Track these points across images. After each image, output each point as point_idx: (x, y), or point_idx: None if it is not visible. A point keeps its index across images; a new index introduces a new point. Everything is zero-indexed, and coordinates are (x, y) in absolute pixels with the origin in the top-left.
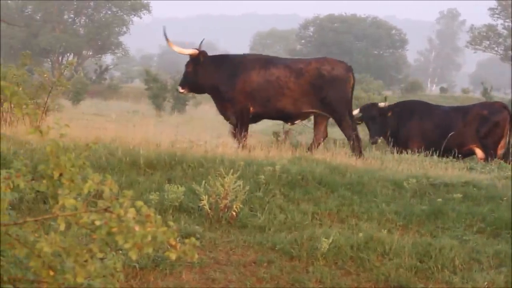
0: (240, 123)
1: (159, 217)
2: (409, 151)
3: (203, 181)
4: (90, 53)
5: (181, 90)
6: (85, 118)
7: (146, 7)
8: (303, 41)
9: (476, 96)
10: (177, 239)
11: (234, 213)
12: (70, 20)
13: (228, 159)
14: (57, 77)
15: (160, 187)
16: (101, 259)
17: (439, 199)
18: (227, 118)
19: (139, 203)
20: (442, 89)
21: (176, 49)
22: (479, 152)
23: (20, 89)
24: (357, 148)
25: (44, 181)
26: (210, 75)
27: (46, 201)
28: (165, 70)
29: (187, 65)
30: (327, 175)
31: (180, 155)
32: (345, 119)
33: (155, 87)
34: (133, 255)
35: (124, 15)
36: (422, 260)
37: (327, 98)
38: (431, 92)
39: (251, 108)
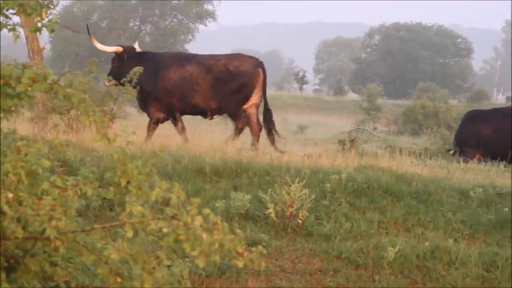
0: (172, 119)
1: (226, 224)
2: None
3: (269, 189)
4: None
5: (107, 83)
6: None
7: (212, 15)
8: (368, 49)
9: None
10: (243, 247)
11: (300, 221)
12: (135, 28)
13: (294, 167)
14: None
15: (226, 194)
16: (168, 266)
17: (506, 209)
18: (148, 113)
19: (206, 210)
20: (508, 98)
21: (99, 46)
22: None
23: (87, 96)
24: (234, 136)
25: (111, 188)
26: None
27: (112, 208)
28: None
29: (113, 60)
30: (393, 184)
31: (246, 163)
32: (240, 113)
33: None
34: (201, 263)
35: (190, 23)
36: (488, 270)
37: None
38: (497, 101)
39: (175, 103)
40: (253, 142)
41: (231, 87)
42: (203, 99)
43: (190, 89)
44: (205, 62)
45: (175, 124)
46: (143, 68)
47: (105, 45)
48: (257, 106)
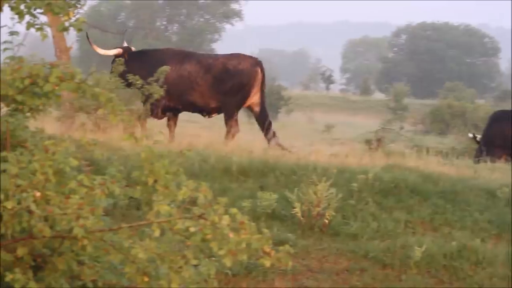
0: (151, 114)
1: (253, 224)
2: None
3: (296, 189)
4: None
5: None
6: (178, 125)
7: (238, 14)
8: (395, 48)
9: None
10: (270, 246)
11: (326, 221)
12: (162, 27)
13: (321, 167)
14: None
15: (252, 194)
16: (195, 265)
17: None
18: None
19: (234, 210)
20: None
21: (100, 51)
22: None
23: (114, 95)
24: (229, 137)
25: (139, 187)
26: (133, 71)
27: (139, 207)
28: None
29: (113, 62)
30: (420, 184)
31: (272, 162)
32: (235, 116)
33: None
34: (228, 262)
35: (217, 22)
36: None
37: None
38: None
39: (166, 102)
40: (276, 141)
41: (229, 86)
42: (201, 97)
43: (188, 88)
44: (204, 61)
45: (168, 121)
46: (142, 66)
47: (133, 45)
48: (260, 104)
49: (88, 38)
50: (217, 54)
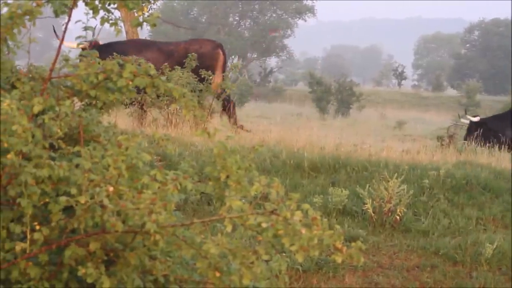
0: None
1: (325, 220)
2: None
3: (367, 185)
4: (255, 56)
5: None
6: (250, 121)
7: (311, 10)
8: (467, 45)
9: None
10: (341, 242)
11: (397, 217)
12: (235, 22)
13: (393, 163)
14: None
15: (324, 190)
16: (266, 261)
17: None
18: None
19: (306, 205)
20: None
21: (67, 44)
22: None
23: (187, 91)
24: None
25: (211, 183)
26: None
27: (210, 202)
28: (329, 73)
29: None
30: (492, 180)
31: (344, 158)
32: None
33: (319, 90)
34: (300, 258)
35: (289, 18)
36: None
37: (195, 74)
38: None
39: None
40: (236, 122)
41: (193, 70)
42: None
43: None
44: (165, 48)
45: (143, 116)
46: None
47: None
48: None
49: (54, 31)
50: (178, 41)
